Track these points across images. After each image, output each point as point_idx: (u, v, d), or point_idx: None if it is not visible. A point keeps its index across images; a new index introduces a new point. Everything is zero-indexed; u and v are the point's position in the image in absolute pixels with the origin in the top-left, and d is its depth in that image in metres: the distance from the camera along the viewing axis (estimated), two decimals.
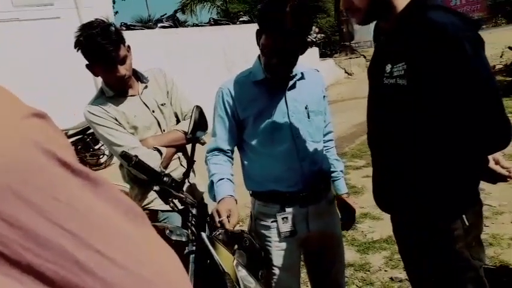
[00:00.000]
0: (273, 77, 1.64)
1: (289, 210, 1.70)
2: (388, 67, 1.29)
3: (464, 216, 1.28)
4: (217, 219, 1.51)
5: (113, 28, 1.76)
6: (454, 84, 1.13)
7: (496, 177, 1.39)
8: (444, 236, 1.31)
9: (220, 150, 1.74)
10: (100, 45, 1.71)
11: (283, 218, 1.69)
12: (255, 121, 1.67)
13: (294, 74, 1.68)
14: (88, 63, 1.82)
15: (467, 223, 1.28)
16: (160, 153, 1.85)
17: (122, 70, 1.80)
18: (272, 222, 1.72)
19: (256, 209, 1.79)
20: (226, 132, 1.73)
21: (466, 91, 1.13)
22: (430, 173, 1.28)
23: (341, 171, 1.91)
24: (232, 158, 1.80)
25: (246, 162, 1.79)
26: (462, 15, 1.19)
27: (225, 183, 1.65)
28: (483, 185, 1.43)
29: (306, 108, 1.69)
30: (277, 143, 1.67)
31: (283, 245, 1.72)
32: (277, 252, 1.73)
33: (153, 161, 1.74)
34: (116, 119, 1.84)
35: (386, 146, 1.41)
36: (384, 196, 1.48)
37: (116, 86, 1.87)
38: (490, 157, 1.38)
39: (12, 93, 0.39)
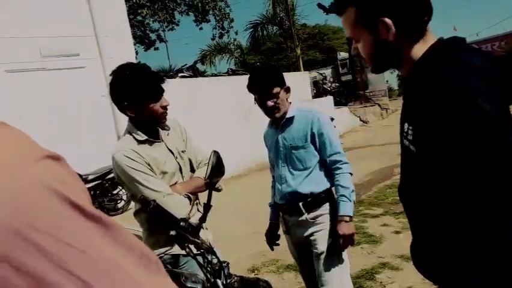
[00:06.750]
0: (271, 118, 2.31)
1: (282, 216, 2.40)
2: (406, 126, 1.17)
3: None
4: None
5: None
6: (458, 161, 0.97)
7: None
8: None
9: (272, 176, 2.45)
10: (153, 75, 1.85)
11: (281, 220, 2.42)
12: (269, 153, 2.43)
13: (285, 117, 2.25)
14: (126, 102, 1.83)
15: None
16: (190, 199, 1.87)
17: (165, 101, 1.89)
18: (281, 222, 2.44)
19: None
20: (270, 162, 2.46)
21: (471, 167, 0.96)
22: (448, 239, 1.13)
23: (342, 195, 2.17)
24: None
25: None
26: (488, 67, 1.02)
27: (271, 210, 2.48)
28: None
29: (290, 144, 2.25)
30: (276, 169, 2.36)
31: (287, 237, 2.43)
32: (286, 242, 2.46)
33: (184, 208, 1.77)
34: (149, 164, 1.85)
35: (410, 204, 1.32)
36: (415, 255, 1.36)
37: (156, 119, 1.90)
38: None
39: (27, 135, 0.39)
